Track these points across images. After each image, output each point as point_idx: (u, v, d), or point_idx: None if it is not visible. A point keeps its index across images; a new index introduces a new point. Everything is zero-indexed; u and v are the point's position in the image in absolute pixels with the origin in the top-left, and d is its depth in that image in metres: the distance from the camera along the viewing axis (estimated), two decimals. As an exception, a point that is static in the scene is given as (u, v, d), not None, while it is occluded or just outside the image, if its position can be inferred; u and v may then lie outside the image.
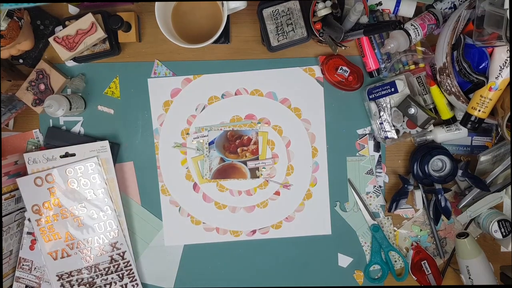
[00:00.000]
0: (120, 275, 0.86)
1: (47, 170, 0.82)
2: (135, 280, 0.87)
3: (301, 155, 0.88)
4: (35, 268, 0.86)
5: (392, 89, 0.81)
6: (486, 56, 0.73)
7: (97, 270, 0.85)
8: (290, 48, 0.78)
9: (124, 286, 0.86)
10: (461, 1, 0.81)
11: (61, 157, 0.83)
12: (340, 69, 0.83)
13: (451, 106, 0.82)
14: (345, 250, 0.89)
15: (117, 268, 0.86)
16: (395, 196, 0.85)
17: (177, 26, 0.79)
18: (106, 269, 0.86)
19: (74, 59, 0.81)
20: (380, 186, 0.88)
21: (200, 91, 0.86)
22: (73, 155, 0.83)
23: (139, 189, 0.87)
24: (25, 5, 0.63)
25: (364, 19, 0.77)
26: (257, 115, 0.87)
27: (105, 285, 0.86)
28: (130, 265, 0.86)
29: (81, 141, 0.84)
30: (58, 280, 0.85)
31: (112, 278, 0.86)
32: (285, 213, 0.89)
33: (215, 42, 0.81)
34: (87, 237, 0.84)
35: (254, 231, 0.89)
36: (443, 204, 0.84)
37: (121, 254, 0.85)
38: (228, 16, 0.75)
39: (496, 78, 0.71)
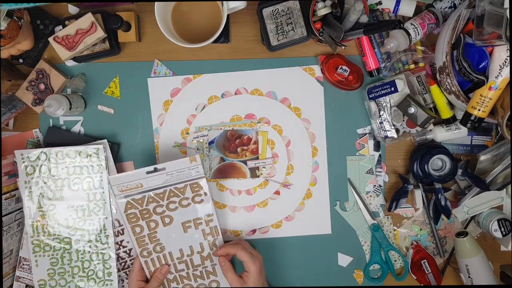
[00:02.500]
0: (127, 273, 0.86)
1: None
2: None
3: (301, 155, 0.88)
4: (35, 268, 0.86)
5: (392, 89, 0.81)
6: (486, 55, 0.73)
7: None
8: (290, 47, 0.78)
9: None
10: (461, 1, 0.81)
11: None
12: (340, 68, 0.83)
13: (451, 105, 0.82)
14: (345, 249, 0.89)
15: (124, 265, 0.86)
16: (395, 195, 0.85)
17: (177, 25, 0.79)
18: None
19: (74, 58, 0.81)
20: (380, 186, 0.88)
21: (200, 90, 0.86)
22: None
23: (139, 188, 0.87)
24: (25, 5, 0.63)
25: (364, 19, 0.77)
26: (257, 114, 0.87)
27: None
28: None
29: (81, 141, 0.84)
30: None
31: (119, 276, 0.86)
32: (285, 212, 0.89)
33: (215, 41, 0.81)
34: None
35: (254, 231, 0.89)
36: (443, 203, 0.84)
37: (128, 251, 0.85)
38: (228, 15, 0.75)
39: (496, 77, 0.71)
